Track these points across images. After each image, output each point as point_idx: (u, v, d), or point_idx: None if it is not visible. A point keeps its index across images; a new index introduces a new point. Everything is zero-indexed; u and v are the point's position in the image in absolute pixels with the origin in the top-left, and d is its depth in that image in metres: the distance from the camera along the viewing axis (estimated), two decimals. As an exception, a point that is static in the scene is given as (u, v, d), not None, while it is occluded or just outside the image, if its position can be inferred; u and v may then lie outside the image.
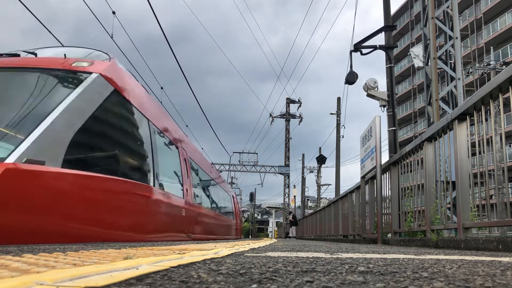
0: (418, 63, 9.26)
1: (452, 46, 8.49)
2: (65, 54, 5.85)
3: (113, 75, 5.87)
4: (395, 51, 35.65)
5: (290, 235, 29.33)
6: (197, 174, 11.58)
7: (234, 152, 38.88)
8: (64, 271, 1.22)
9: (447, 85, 8.51)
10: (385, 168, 7.11)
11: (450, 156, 4.72)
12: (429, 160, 5.36)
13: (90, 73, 5.40)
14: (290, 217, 31.67)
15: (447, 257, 2.49)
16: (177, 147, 9.25)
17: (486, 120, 4.39)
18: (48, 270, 1.25)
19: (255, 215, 66.23)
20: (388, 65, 10.57)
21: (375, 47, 10.59)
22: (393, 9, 43.05)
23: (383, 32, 10.70)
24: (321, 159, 35.14)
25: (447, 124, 4.71)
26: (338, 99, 28.47)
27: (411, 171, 6.05)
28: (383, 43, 10.65)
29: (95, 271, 1.24)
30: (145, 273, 1.27)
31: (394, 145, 10.01)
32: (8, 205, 3.88)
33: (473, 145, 4.58)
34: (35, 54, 5.97)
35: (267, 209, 73.96)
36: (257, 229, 67.55)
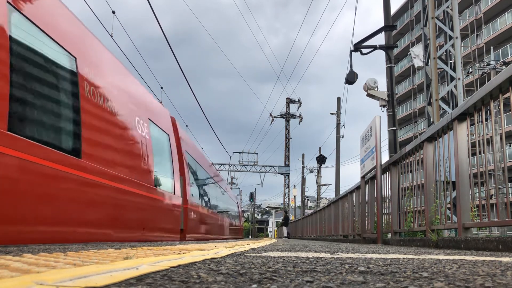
0: (418, 63, 9.26)
1: (452, 46, 8.49)
2: None
3: None
4: (395, 51, 35.66)
5: (285, 235, 29.39)
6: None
7: (234, 152, 38.87)
8: (64, 271, 1.22)
9: (447, 85, 8.50)
10: (385, 168, 7.11)
11: (450, 156, 4.71)
12: (429, 160, 5.36)
13: None
14: (282, 217, 31.75)
15: (447, 257, 2.49)
16: None
17: (486, 120, 4.39)
18: (48, 270, 1.25)
19: (255, 215, 66.17)
20: (388, 65, 10.57)
21: (375, 47, 10.58)
22: (393, 9, 43.07)
23: (383, 32, 10.70)
24: (321, 159, 35.13)
25: (447, 124, 4.70)
26: (338, 99, 28.48)
27: (411, 171, 6.05)
28: (383, 43, 10.65)
29: (95, 271, 1.23)
30: (145, 273, 1.27)
31: (394, 145, 10.00)
32: None
33: (473, 145, 4.58)
34: None
35: (267, 209, 73.93)
36: (257, 229, 67.52)
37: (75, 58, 5.54)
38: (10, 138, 3.97)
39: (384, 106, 10.14)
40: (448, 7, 8.65)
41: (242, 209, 40.28)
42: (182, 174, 10.16)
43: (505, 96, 3.65)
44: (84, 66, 5.72)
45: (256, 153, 38.98)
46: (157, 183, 8.05)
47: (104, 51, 6.70)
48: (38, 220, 4.54)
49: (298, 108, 40.57)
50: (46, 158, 4.54)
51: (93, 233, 5.68)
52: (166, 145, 9.22)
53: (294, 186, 43.07)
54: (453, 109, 7.72)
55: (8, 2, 4.25)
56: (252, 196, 48.59)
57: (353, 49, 10.68)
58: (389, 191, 6.89)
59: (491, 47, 31.41)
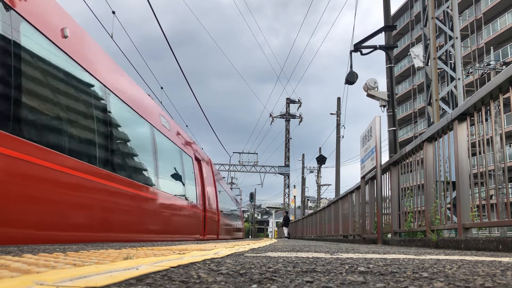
0: (418, 63, 9.26)
1: (452, 46, 8.49)
2: None
3: None
4: (395, 51, 35.64)
5: (286, 235, 29.38)
6: None
7: (234, 152, 38.84)
8: (64, 271, 1.22)
9: (447, 85, 8.50)
10: (385, 168, 7.11)
11: (450, 156, 4.72)
12: (429, 160, 5.36)
13: None
14: (282, 218, 31.55)
15: (447, 257, 2.49)
16: None
17: (486, 120, 4.40)
18: (48, 270, 1.25)
19: (255, 215, 66.17)
20: (388, 65, 10.57)
21: (375, 47, 10.59)
22: (393, 9, 43.07)
23: (383, 32, 10.70)
24: (321, 159, 35.14)
25: (447, 124, 4.70)
26: (338, 99, 28.50)
27: (411, 171, 6.05)
28: (383, 43, 10.65)
29: (95, 271, 1.23)
30: (145, 273, 1.27)
31: (394, 145, 10.00)
32: None
33: (473, 145, 4.58)
34: None
35: (267, 209, 74.00)
36: (257, 229, 67.56)
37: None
38: None
39: (384, 106, 10.14)
40: (448, 7, 8.65)
41: (242, 209, 36.05)
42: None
43: (505, 96, 3.65)
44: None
45: (256, 153, 39.04)
46: None
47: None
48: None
49: (298, 108, 40.63)
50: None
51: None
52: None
53: (294, 186, 43.12)
54: (453, 109, 7.72)
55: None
56: (252, 196, 48.60)
57: (353, 49, 10.68)
58: (389, 191, 6.89)
59: (491, 47, 31.42)
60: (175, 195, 8.71)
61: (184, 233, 9.33)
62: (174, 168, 9.24)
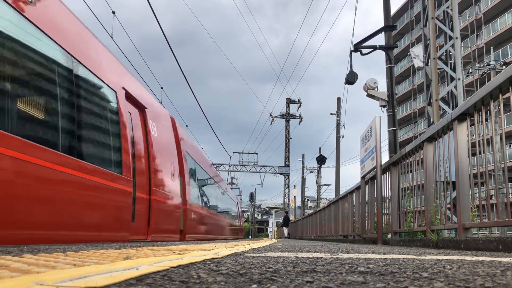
0: (418, 63, 9.26)
1: (452, 46, 8.49)
2: None
3: None
4: (395, 51, 35.62)
5: (286, 235, 29.45)
6: None
7: (234, 152, 38.79)
8: (64, 271, 1.22)
9: (447, 85, 8.50)
10: (385, 168, 7.11)
11: (450, 156, 4.72)
12: (429, 160, 5.36)
13: None
14: (282, 218, 31.64)
15: (447, 257, 2.49)
16: None
17: (486, 120, 4.41)
18: (48, 270, 1.25)
19: (255, 215, 66.16)
20: (388, 65, 10.57)
21: (375, 47, 10.58)
22: (393, 9, 43.04)
23: (383, 32, 10.70)
24: (321, 159, 35.14)
25: (447, 124, 4.70)
26: (338, 99, 28.50)
27: (411, 171, 6.05)
28: (383, 43, 10.65)
29: (95, 271, 1.24)
30: (145, 273, 1.27)
31: (394, 145, 10.00)
32: None
33: (473, 145, 4.58)
34: None
35: (267, 209, 73.99)
36: (257, 229, 67.56)
37: None
38: None
39: (384, 106, 10.14)
40: (448, 7, 8.65)
41: (242, 209, 36.32)
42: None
43: (505, 96, 3.65)
44: None
45: (256, 153, 38.99)
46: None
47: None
48: None
49: (298, 109, 40.62)
50: None
51: None
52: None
53: (294, 186, 43.12)
54: (453, 109, 7.72)
55: None
56: (252, 196, 48.58)
57: (353, 49, 10.68)
58: (389, 191, 6.89)
59: (491, 47, 31.41)
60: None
61: (85, 229, 5.17)
62: (56, 96, 4.63)
